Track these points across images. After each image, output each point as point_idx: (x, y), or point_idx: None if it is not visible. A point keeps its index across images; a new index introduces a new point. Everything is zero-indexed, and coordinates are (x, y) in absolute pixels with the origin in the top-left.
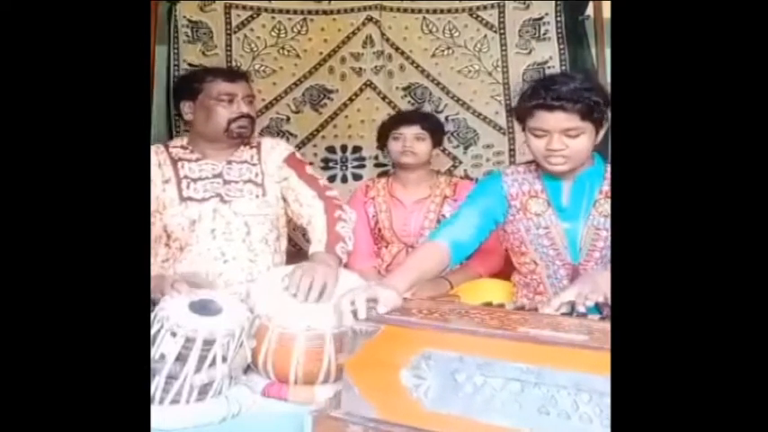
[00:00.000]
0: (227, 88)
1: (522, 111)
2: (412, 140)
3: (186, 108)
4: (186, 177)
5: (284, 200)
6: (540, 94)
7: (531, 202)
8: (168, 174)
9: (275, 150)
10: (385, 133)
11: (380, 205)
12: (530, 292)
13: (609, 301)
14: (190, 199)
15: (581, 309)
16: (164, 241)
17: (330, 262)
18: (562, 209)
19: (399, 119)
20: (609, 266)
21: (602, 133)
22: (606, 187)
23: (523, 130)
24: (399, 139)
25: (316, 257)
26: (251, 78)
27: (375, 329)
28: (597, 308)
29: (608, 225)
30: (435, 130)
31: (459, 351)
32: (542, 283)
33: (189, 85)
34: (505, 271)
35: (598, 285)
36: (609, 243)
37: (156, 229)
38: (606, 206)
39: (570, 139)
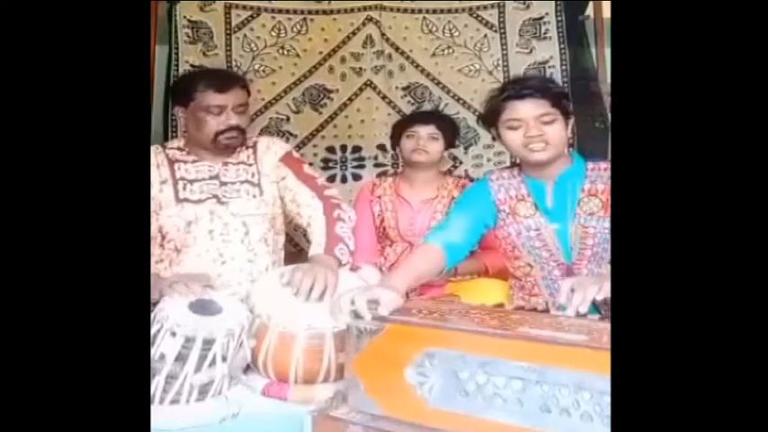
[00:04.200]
0: (216, 100)
1: (493, 110)
2: (426, 139)
3: (180, 113)
4: (183, 179)
5: (281, 199)
6: (507, 88)
7: (520, 206)
8: (165, 175)
9: (271, 150)
10: (399, 131)
11: (386, 204)
12: (525, 294)
13: (608, 301)
14: (186, 200)
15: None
16: (158, 242)
17: (330, 264)
18: (548, 211)
19: (414, 117)
20: (604, 266)
21: (569, 127)
22: (588, 185)
23: (494, 134)
24: (413, 137)
25: (315, 259)
26: (249, 80)
27: (380, 328)
28: (597, 308)
29: (594, 223)
30: (449, 131)
31: (463, 350)
32: (537, 285)
33: (182, 92)
34: (506, 270)
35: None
36: (600, 240)
37: (151, 230)
38: (591, 204)
39: (546, 125)
